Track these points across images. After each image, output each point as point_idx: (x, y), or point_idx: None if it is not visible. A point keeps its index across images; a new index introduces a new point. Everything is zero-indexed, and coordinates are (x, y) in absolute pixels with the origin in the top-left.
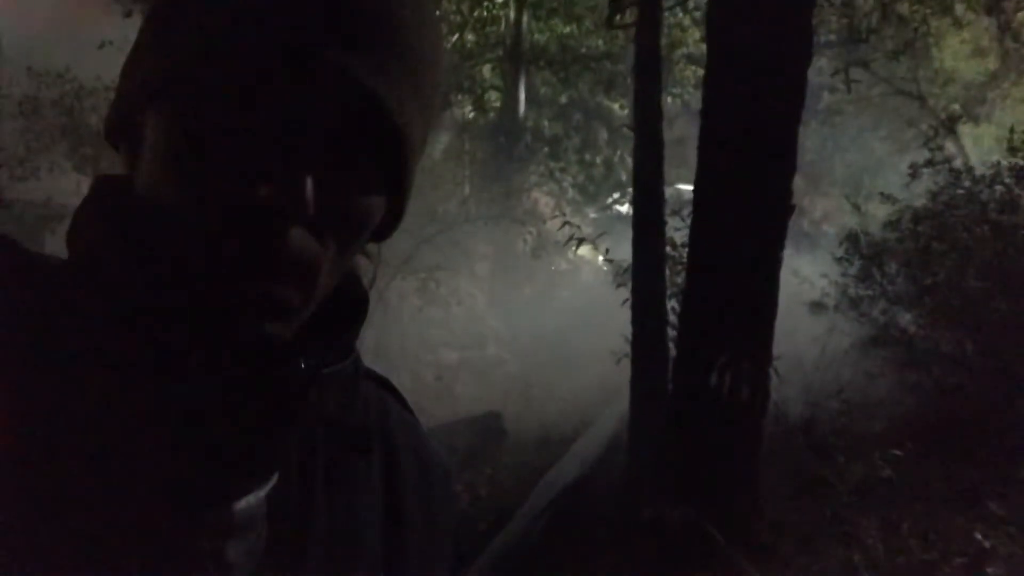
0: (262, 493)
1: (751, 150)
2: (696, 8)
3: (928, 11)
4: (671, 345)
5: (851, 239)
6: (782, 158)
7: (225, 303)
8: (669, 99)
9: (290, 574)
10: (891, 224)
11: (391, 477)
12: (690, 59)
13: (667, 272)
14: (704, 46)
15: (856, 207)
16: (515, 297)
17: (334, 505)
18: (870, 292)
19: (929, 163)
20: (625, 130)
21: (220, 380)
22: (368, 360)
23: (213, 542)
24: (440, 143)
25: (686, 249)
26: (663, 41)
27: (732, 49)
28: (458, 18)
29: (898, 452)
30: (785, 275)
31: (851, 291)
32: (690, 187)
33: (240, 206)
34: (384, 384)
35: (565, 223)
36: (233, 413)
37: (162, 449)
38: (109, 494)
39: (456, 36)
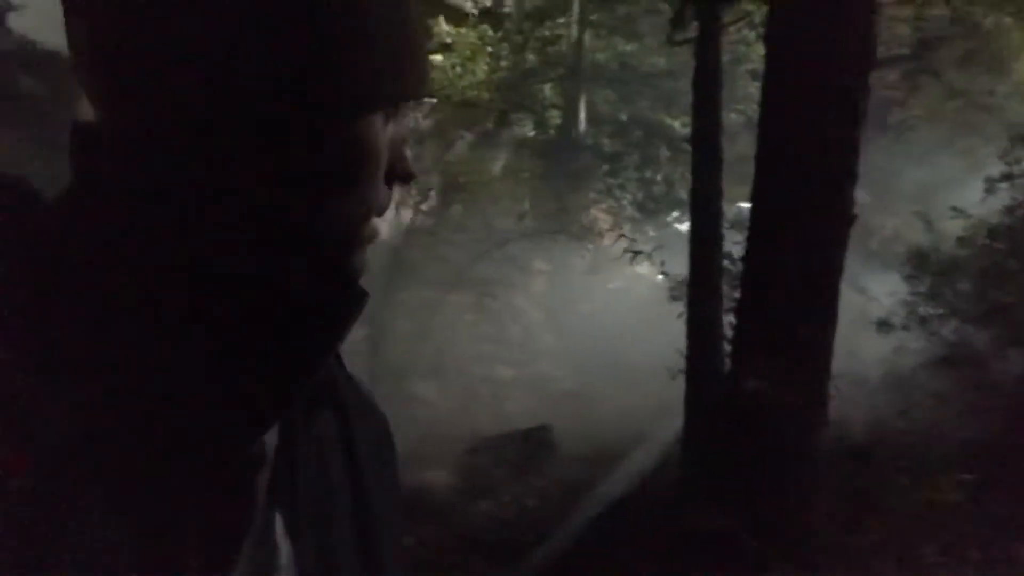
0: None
1: (810, 158)
2: (762, 23)
3: (1008, 19)
4: (727, 360)
5: (920, 256)
6: (842, 166)
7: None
8: (733, 115)
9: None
10: (964, 240)
11: (345, 431)
12: (754, 75)
13: (724, 287)
14: None
15: (927, 223)
16: (571, 314)
17: (312, 458)
18: (940, 310)
19: (1007, 177)
20: (686, 145)
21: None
22: (424, 374)
23: (247, 472)
24: (499, 160)
25: (743, 264)
26: (726, 57)
27: (790, 54)
28: (520, 38)
29: (967, 476)
30: (851, 294)
31: (920, 309)
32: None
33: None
34: None
35: (621, 235)
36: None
37: (205, 385)
38: (142, 424)
39: (518, 56)
